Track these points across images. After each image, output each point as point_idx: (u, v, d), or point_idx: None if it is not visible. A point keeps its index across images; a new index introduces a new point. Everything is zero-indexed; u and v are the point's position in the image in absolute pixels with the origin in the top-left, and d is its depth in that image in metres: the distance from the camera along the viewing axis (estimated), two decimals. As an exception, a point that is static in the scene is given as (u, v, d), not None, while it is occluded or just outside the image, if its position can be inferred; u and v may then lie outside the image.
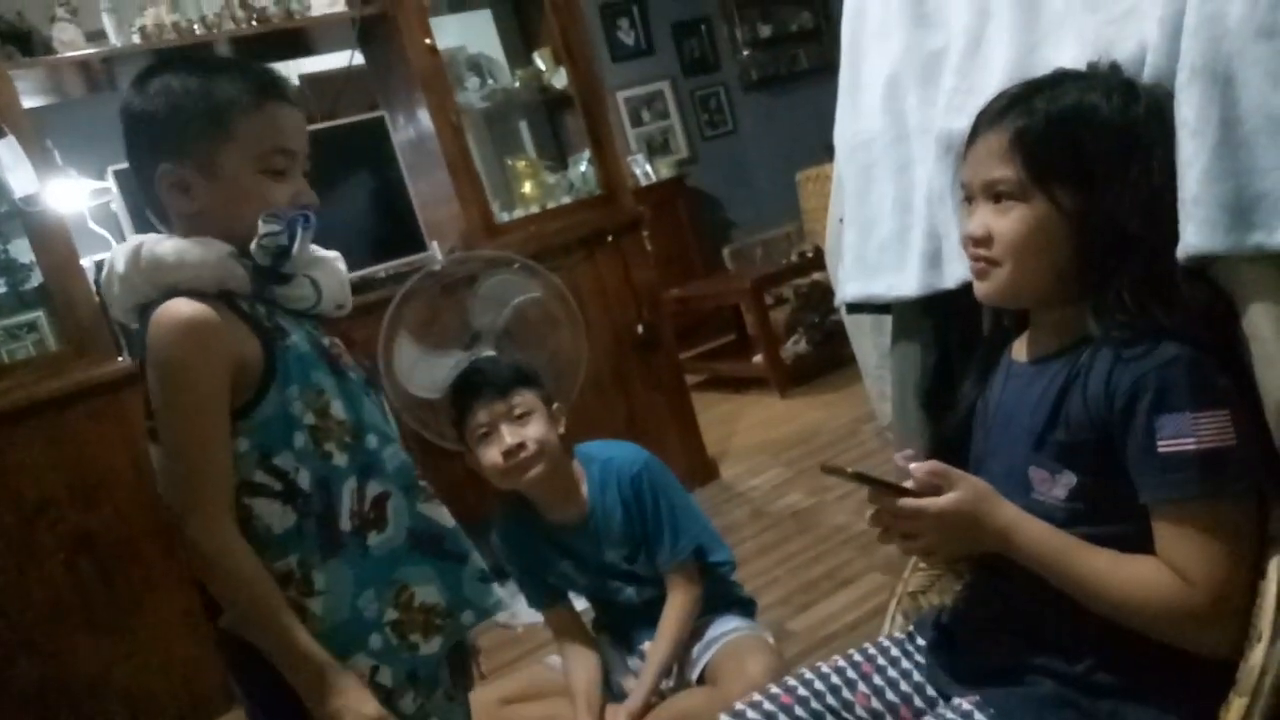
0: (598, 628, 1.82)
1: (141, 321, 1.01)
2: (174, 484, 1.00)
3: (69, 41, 2.45)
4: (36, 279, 2.48)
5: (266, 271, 1.04)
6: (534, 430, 1.58)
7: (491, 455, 1.58)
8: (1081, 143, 0.90)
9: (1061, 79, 0.95)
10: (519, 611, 2.45)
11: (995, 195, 0.94)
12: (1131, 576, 0.86)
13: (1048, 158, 0.91)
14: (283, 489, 1.02)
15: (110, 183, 2.46)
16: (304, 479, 1.03)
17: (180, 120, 1.02)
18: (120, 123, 1.07)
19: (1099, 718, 0.89)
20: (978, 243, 0.96)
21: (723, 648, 1.65)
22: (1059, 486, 0.92)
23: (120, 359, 2.39)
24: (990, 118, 0.96)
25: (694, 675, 1.66)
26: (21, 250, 2.55)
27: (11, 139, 2.25)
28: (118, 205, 2.49)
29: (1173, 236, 0.88)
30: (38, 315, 2.46)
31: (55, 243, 2.35)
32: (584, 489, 1.67)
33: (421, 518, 1.12)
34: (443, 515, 1.15)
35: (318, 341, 1.10)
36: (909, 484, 0.92)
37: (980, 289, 0.99)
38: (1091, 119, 0.90)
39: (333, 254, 1.19)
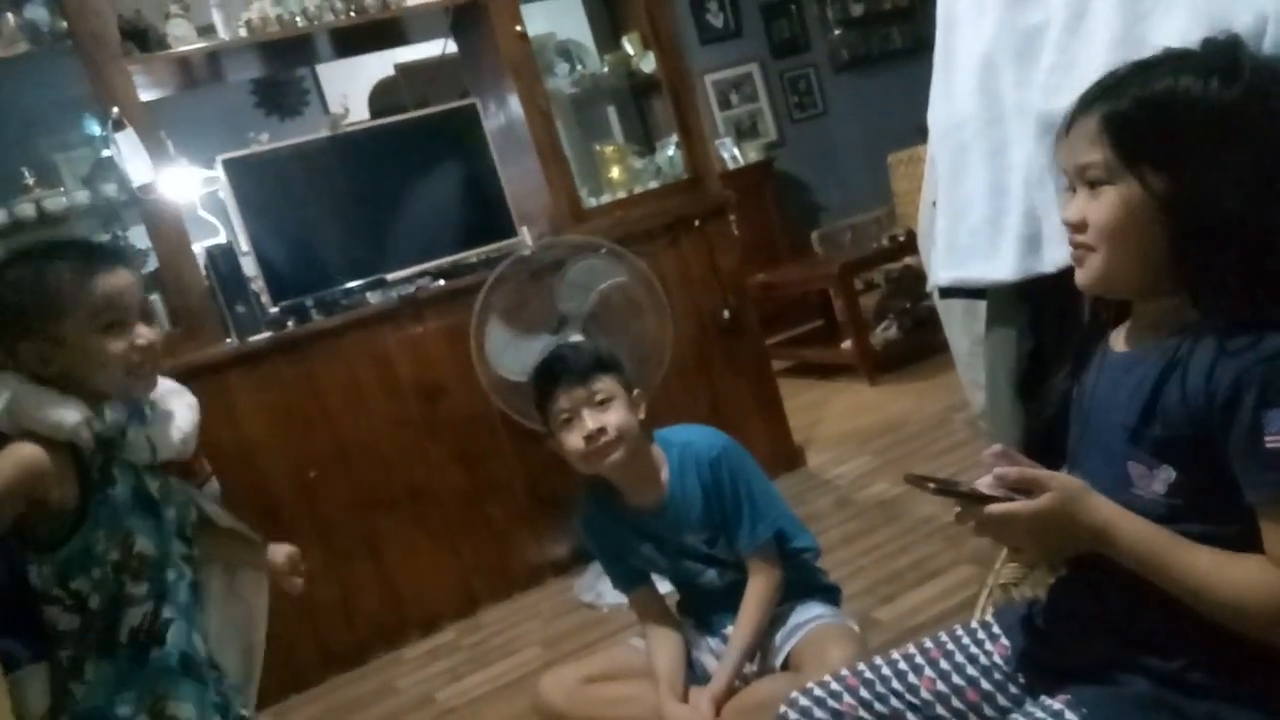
0: (681, 610, 1.83)
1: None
2: None
3: (182, 36, 2.57)
4: (152, 264, 2.62)
5: (106, 441, 1.24)
6: (614, 416, 1.60)
7: (573, 440, 1.60)
8: (1171, 125, 0.87)
9: (1159, 61, 0.91)
10: (604, 593, 2.49)
11: (1088, 181, 0.92)
12: (1237, 576, 0.82)
13: (1135, 140, 0.88)
14: (73, 604, 1.22)
15: (219, 171, 2.57)
16: (94, 601, 1.23)
17: (20, 307, 1.22)
18: None
19: (1197, 720, 0.86)
20: (1074, 228, 0.94)
21: (806, 635, 1.65)
22: (1158, 482, 0.89)
23: (228, 340, 2.51)
24: (1084, 103, 0.94)
25: (777, 662, 1.66)
26: (138, 236, 2.70)
27: (130, 131, 2.37)
28: (225, 193, 2.61)
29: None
30: (153, 299, 2.60)
31: (169, 229, 2.47)
32: (664, 473, 1.68)
33: (193, 645, 1.31)
34: (202, 647, 1.33)
35: (143, 491, 1.28)
36: (996, 490, 0.90)
37: (1078, 277, 0.97)
38: (1182, 102, 0.87)
39: (185, 401, 1.40)
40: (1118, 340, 1.00)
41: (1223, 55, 0.89)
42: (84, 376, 1.24)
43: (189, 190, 2.72)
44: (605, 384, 1.62)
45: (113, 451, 1.25)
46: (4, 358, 1.23)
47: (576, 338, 2.48)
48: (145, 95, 2.56)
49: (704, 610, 1.78)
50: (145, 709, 1.24)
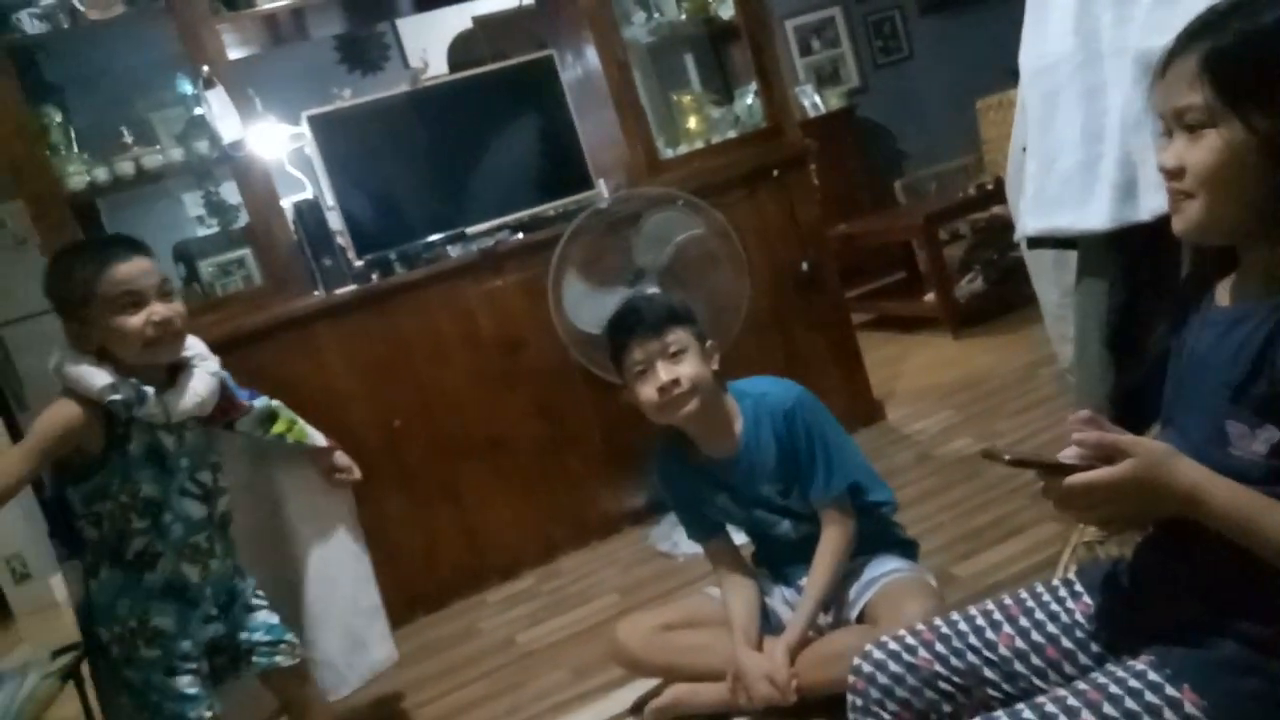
0: (755, 561, 1.84)
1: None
2: None
3: (266, -6, 2.61)
4: (243, 219, 2.71)
5: (125, 405, 1.52)
6: (688, 368, 1.61)
7: (648, 392, 1.62)
8: (1277, 62, 0.82)
9: None
10: (680, 542, 2.51)
11: (1187, 125, 0.87)
12: (1337, 540, 0.79)
13: (1238, 79, 0.83)
14: (94, 521, 1.58)
15: (305, 128, 2.63)
16: (106, 526, 1.57)
17: (60, 297, 1.54)
18: None
19: (1290, 687, 0.83)
20: (1171, 175, 0.89)
21: (882, 588, 1.64)
22: (1259, 442, 0.85)
23: (315, 293, 2.58)
24: (1182, 42, 0.88)
25: (853, 614, 1.66)
26: (230, 193, 2.79)
27: (220, 89, 2.43)
28: (311, 149, 2.67)
29: None
30: (244, 253, 2.69)
31: (258, 185, 2.54)
32: (738, 425, 1.69)
33: (179, 574, 1.63)
34: (194, 574, 1.64)
35: (155, 448, 1.59)
36: (1075, 458, 0.87)
37: (1175, 223, 0.92)
38: None
39: (206, 369, 1.66)
40: (1222, 294, 0.95)
41: None
42: (111, 350, 1.53)
43: (276, 147, 2.79)
44: (678, 335, 1.62)
45: (132, 414, 1.53)
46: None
47: (652, 290, 2.48)
48: (233, 54, 2.62)
49: (778, 561, 1.79)
50: (135, 615, 1.59)
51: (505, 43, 3.66)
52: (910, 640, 1.08)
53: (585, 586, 2.55)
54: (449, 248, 2.72)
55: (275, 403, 1.87)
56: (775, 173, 2.90)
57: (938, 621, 1.10)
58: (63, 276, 1.54)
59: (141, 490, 1.57)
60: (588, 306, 2.49)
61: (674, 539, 2.57)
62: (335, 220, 2.68)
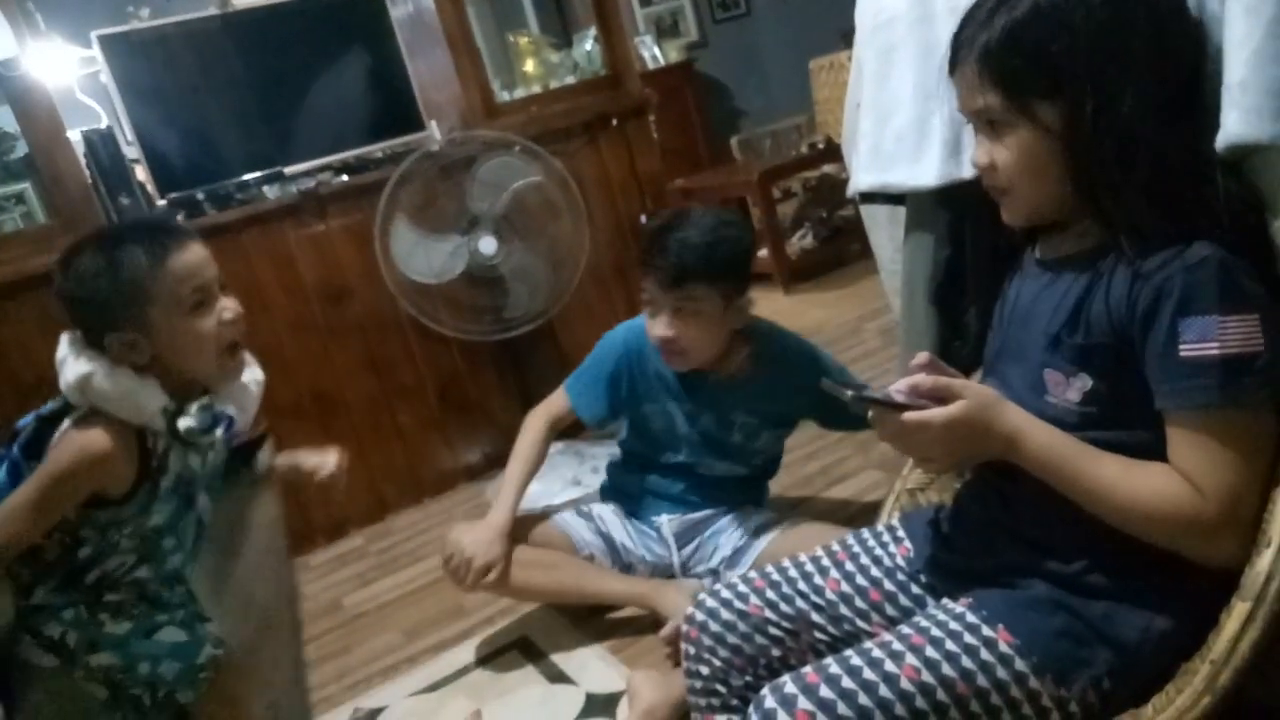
0: (606, 494, 1.89)
1: (70, 413, 1.21)
2: None
3: (44, -107, 2.31)
4: (22, 149, 2.41)
5: (177, 432, 1.22)
6: (693, 330, 1.62)
7: (652, 327, 1.64)
8: (1046, 53, 0.85)
9: None
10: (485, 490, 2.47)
11: (989, 124, 0.91)
12: (1141, 484, 0.84)
13: (1018, 78, 0.86)
14: (70, 543, 1.22)
15: (96, 50, 2.35)
16: (85, 550, 1.23)
17: (101, 301, 1.18)
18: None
19: (1091, 621, 0.88)
20: (985, 172, 0.93)
21: (786, 536, 1.72)
22: (1073, 390, 0.89)
23: (111, 235, 2.33)
24: (963, 41, 0.91)
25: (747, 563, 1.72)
26: (5, 119, 2.47)
27: (-13, -2, 2.14)
28: (106, 76, 2.39)
29: (1186, 130, 0.84)
30: (24, 187, 2.41)
31: (39, 111, 2.26)
32: (744, 355, 1.72)
33: (148, 590, 1.30)
34: (164, 592, 1.32)
35: (184, 480, 1.28)
36: (906, 394, 0.89)
37: (1004, 215, 0.97)
38: (1053, 23, 0.84)
39: (254, 378, 1.38)
40: (1043, 248, 0.99)
41: None
42: (176, 363, 1.21)
43: (64, 70, 2.49)
44: (696, 293, 1.58)
45: (185, 444, 1.24)
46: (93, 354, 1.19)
47: (489, 239, 2.40)
48: (6, -41, 2.30)
49: (659, 492, 1.82)
50: (87, 605, 1.25)
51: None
52: (742, 588, 1.10)
53: (417, 545, 2.47)
54: (265, 188, 2.52)
55: None
56: (615, 122, 2.85)
57: (769, 569, 1.12)
58: (102, 275, 1.17)
59: (151, 520, 1.25)
60: (419, 255, 2.38)
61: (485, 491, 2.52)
62: (135, 154, 2.43)
